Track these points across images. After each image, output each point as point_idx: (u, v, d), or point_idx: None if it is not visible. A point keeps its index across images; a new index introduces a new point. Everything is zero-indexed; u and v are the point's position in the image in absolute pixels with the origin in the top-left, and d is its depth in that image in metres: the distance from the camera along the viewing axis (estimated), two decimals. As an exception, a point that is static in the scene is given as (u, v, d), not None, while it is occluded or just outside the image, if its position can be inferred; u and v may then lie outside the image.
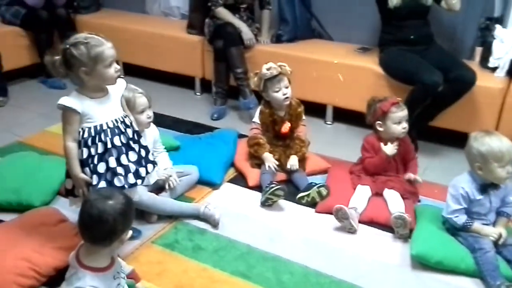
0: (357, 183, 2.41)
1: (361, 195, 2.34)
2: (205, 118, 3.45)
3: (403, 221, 2.10)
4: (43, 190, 2.29)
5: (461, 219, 1.99)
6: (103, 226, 1.42)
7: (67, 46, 1.71)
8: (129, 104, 2.16)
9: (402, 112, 2.37)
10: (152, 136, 2.40)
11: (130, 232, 1.52)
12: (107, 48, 1.72)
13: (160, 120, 3.13)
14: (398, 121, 2.36)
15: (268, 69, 2.55)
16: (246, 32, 3.38)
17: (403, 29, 2.99)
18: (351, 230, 2.19)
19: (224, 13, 3.41)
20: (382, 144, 2.40)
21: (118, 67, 1.77)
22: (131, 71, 4.16)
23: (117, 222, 1.44)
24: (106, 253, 1.50)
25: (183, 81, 3.97)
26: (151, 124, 2.36)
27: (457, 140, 3.05)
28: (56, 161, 2.39)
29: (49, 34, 3.86)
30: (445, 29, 3.21)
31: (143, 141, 1.94)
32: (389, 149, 2.39)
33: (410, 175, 2.41)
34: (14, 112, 3.52)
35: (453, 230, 2.05)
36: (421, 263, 1.98)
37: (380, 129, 2.41)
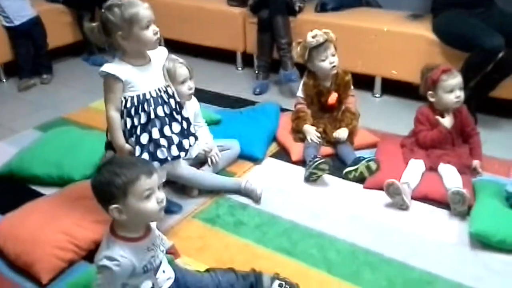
0: (410, 157, 2.25)
1: (414, 169, 2.18)
2: (246, 93, 3.35)
3: (462, 196, 1.93)
4: (84, 164, 2.27)
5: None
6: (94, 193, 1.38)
7: (103, 10, 1.66)
8: (169, 74, 2.10)
9: (454, 80, 2.17)
10: (193, 109, 2.32)
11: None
12: (142, 9, 1.64)
13: (201, 95, 3.05)
14: (450, 89, 2.17)
15: (313, 37, 2.40)
16: None
17: None
18: (403, 207, 2.05)
19: None
20: (439, 117, 2.22)
21: (157, 29, 1.68)
22: (171, 46, 4.10)
23: (97, 193, 1.38)
24: (141, 224, 1.43)
25: (224, 56, 3.88)
26: (192, 97, 2.28)
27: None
28: (97, 135, 2.37)
29: (91, 11, 3.84)
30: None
31: (185, 113, 1.87)
32: (448, 121, 2.21)
33: (475, 163, 2.23)
34: (58, 89, 3.56)
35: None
36: (481, 242, 1.81)
37: (432, 99, 2.24)
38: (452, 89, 2.18)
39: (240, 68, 3.83)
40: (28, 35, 3.54)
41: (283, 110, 2.87)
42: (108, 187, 1.32)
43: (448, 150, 2.25)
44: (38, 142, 2.49)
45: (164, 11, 3.87)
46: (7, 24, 3.49)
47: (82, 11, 3.81)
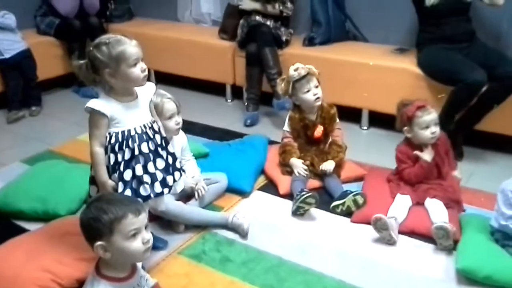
0: (396, 192, 2.25)
1: (401, 204, 2.18)
2: (236, 125, 3.37)
3: (445, 231, 1.93)
4: (70, 198, 2.26)
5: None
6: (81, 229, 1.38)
7: (91, 48, 1.67)
8: (157, 109, 2.11)
9: (428, 116, 2.18)
10: (180, 143, 2.33)
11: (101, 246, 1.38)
12: (130, 46, 1.65)
13: (191, 127, 3.08)
14: (426, 126, 2.18)
15: (295, 70, 2.44)
16: None
17: (442, 26, 2.80)
18: (390, 242, 2.04)
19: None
20: (418, 153, 2.23)
21: (145, 66, 1.69)
22: (161, 78, 4.15)
23: (84, 229, 1.37)
24: (125, 264, 1.42)
25: (214, 88, 3.91)
26: (180, 131, 2.29)
27: (504, 144, 2.87)
28: (83, 169, 2.33)
29: (82, 44, 3.87)
30: (489, 26, 3.01)
31: (170, 148, 1.87)
32: (428, 155, 2.22)
33: (454, 174, 2.28)
34: (46, 121, 3.56)
35: (503, 240, 1.86)
36: (468, 278, 1.80)
37: (409, 135, 2.25)
38: (428, 125, 2.18)
39: (229, 100, 3.86)
40: (18, 68, 3.56)
41: (271, 142, 2.89)
42: (95, 223, 1.32)
43: (434, 184, 2.25)
44: (23, 176, 2.48)
45: (155, 43, 3.94)
46: (-3, 57, 3.51)
47: (73, 44, 3.85)
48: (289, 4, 3.43)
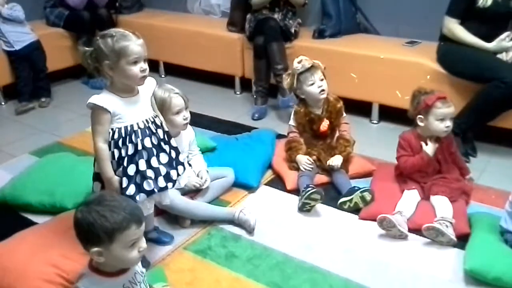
0: (404, 188, 2.23)
1: (409, 199, 2.16)
2: (244, 118, 3.35)
3: (436, 230, 1.92)
4: (77, 192, 2.24)
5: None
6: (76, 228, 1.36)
7: (97, 38, 1.66)
8: (164, 104, 2.10)
9: (448, 109, 2.14)
10: (188, 138, 2.31)
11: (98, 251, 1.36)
12: (134, 44, 1.63)
13: (198, 120, 3.07)
14: (442, 117, 2.14)
15: (299, 62, 2.41)
16: None
17: (483, 26, 2.66)
18: (402, 236, 2.01)
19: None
20: (423, 143, 2.20)
21: (145, 67, 1.67)
22: (171, 70, 4.14)
23: (80, 230, 1.35)
24: (115, 266, 1.41)
25: (223, 80, 3.89)
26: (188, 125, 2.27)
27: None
28: (91, 162, 2.30)
29: (91, 35, 3.87)
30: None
31: (173, 142, 1.86)
32: (430, 149, 2.19)
33: (467, 178, 2.27)
34: (56, 112, 3.57)
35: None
36: (476, 279, 1.77)
37: (421, 124, 2.20)
38: (444, 118, 2.15)
39: (238, 93, 3.84)
40: (28, 59, 3.58)
41: (280, 136, 2.86)
42: (95, 229, 1.30)
43: (437, 179, 2.22)
44: (31, 168, 2.48)
45: (164, 35, 3.92)
46: (8, 49, 3.52)
47: (82, 35, 3.84)
48: None
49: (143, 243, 1.36)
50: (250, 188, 2.42)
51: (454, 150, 2.28)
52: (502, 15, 2.66)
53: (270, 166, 2.61)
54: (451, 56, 2.78)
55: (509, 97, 2.47)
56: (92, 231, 1.30)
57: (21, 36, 3.52)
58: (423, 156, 2.20)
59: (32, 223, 2.16)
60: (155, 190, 1.74)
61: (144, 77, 1.69)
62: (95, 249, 1.30)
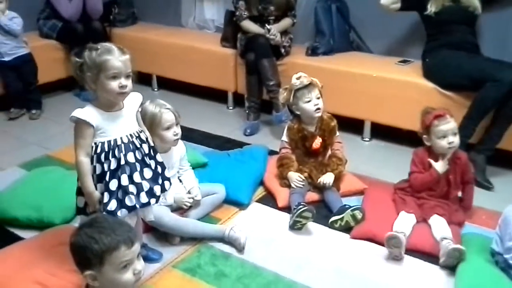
0: (401, 209, 2.21)
1: (406, 220, 2.13)
2: (237, 133, 3.34)
3: (459, 252, 1.89)
4: (65, 207, 2.21)
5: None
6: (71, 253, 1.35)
7: (86, 49, 1.67)
8: (155, 119, 2.09)
9: (446, 125, 2.14)
10: (179, 153, 2.29)
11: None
12: (115, 59, 1.62)
13: (190, 135, 3.06)
14: (442, 135, 2.14)
15: (298, 78, 2.42)
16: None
17: (449, 33, 2.73)
18: (398, 258, 2.00)
19: (248, 25, 3.36)
20: (432, 161, 2.20)
21: (125, 83, 1.65)
22: (164, 84, 4.13)
23: (74, 255, 1.34)
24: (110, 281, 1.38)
25: (216, 95, 3.89)
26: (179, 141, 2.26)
27: (509, 160, 2.81)
28: (80, 176, 2.32)
29: (84, 47, 3.85)
30: (492, 41, 2.95)
31: (159, 157, 1.84)
32: (440, 166, 2.18)
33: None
34: (46, 125, 3.53)
35: (504, 264, 1.82)
36: (468, 302, 1.76)
37: (427, 143, 2.22)
38: (445, 135, 2.14)
39: (231, 108, 3.83)
40: (17, 70, 3.53)
41: (272, 152, 2.85)
42: (85, 252, 1.28)
43: (442, 202, 2.21)
44: (19, 182, 2.45)
45: (158, 49, 3.92)
46: (-2, 59, 3.49)
47: (75, 47, 3.81)
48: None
49: (138, 265, 1.34)
50: (241, 205, 2.40)
51: (467, 169, 2.25)
52: (461, 19, 2.72)
53: (261, 183, 2.59)
54: (437, 68, 2.80)
55: (506, 93, 2.46)
56: (82, 253, 1.28)
57: (13, 49, 3.48)
58: (433, 173, 2.19)
59: (19, 238, 2.12)
60: (137, 205, 1.72)
61: (123, 93, 1.67)
62: (88, 272, 1.28)
